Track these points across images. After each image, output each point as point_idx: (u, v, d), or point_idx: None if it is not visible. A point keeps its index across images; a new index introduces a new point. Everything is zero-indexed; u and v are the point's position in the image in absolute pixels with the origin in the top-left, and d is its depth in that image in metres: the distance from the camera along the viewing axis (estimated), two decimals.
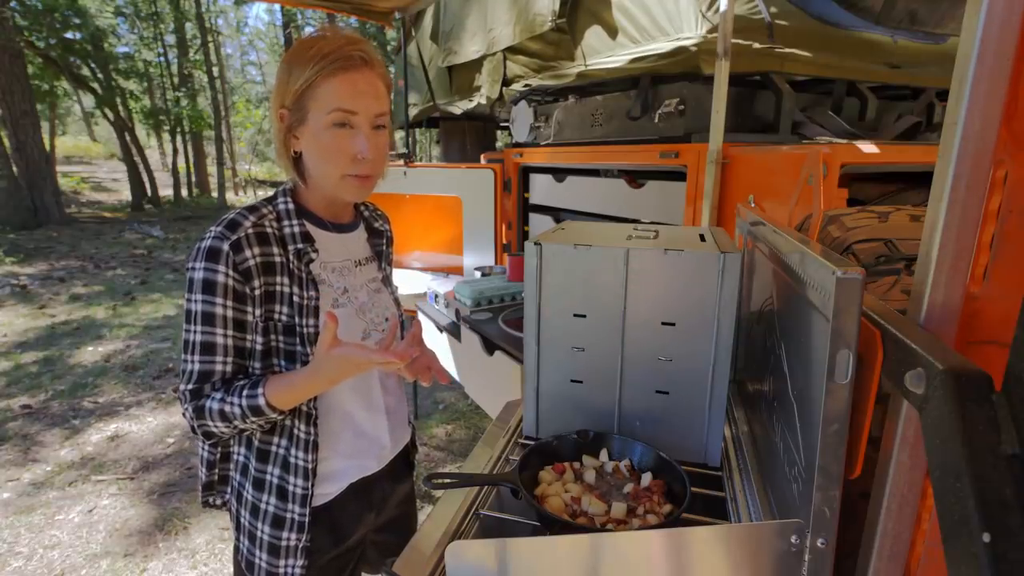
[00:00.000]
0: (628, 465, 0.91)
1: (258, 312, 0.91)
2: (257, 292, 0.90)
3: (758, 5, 1.88)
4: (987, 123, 0.47)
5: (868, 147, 1.53)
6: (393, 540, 1.20)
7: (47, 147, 11.06)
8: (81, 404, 3.64)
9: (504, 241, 3.17)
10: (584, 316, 0.97)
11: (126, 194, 14.38)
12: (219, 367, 0.90)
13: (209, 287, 0.87)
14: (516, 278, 2.69)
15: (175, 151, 15.47)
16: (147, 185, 13.87)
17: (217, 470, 1.05)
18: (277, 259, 0.93)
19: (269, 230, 0.93)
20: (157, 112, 15.46)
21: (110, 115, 12.95)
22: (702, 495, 0.86)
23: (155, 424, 3.40)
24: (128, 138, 13.10)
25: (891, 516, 0.55)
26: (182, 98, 15.09)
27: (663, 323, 0.93)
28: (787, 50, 1.97)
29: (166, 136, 17.18)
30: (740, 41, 1.84)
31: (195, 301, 0.88)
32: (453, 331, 2.60)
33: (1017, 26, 0.45)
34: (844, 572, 0.62)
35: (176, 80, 15.68)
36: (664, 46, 1.93)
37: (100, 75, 13.05)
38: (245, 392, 0.88)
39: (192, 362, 0.89)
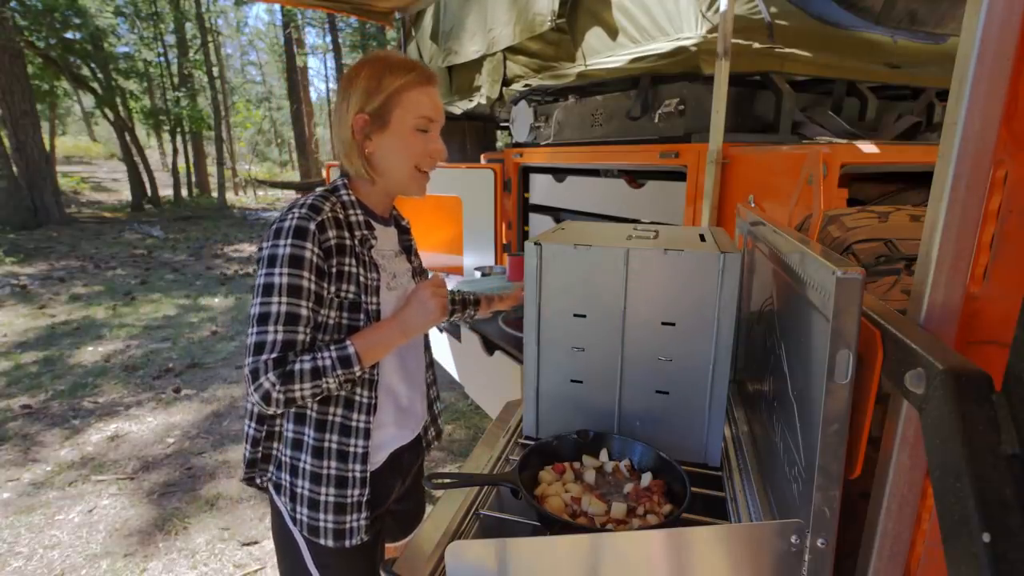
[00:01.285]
0: (628, 465, 0.91)
1: (332, 288, 1.00)
2: (333, 270, 1.00)
3: (758, 5, 1.88)
4: (987, 123, 0.47)
5: (868, 147, 1.53)
6: (407, 509, 1.31)
7: (47, 147, 11.05)
8: (81, 404, 3.64)
9: (504, 241, 3.17)
10: (584, 316, 0.97)
11: (126, 194, 14.38)
12: (301, 336, 0.96)
13: (297, 262, 0.94)
14: (516, 278, 2.69)
15: (175, 151, 15.45)
16: (147, 185, 13.86)
17: (261, 448, 1.10)
18: (347, 242, 1.02)
19: (340, 215, 1.03)
20: (157, 112, 15.44)
21: (110, 115, 12.93)
22: (702, 495, 0.86)
23: (155, 424, 3.40)
24: (128, 138, 13.09)
25: (891, 516, 0.55)
26: (182, 98, 15.07)
27: (663, 323, 0.93)
28: (787, 50, 1.96)
29: (166, 136, 17.16)
30: (740, 41, 1.84)
31: (281, 274, 0.94)
32: (453, 331, 2.60)
33: (1017, 26, 0.45)
34: (844, 572, 0.62)
35: (176, 80, 15.66)
36: (664, 46, 1.93)
37: (100, 75, 13.04)
38: (334, 346, 0.97)
39: (276, 332, 0.94)
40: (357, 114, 1.04)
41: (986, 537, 0.36)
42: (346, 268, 1.02)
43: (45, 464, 2.96)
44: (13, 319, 5.32)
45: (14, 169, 9.82)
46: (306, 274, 0.95)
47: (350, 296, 1.02)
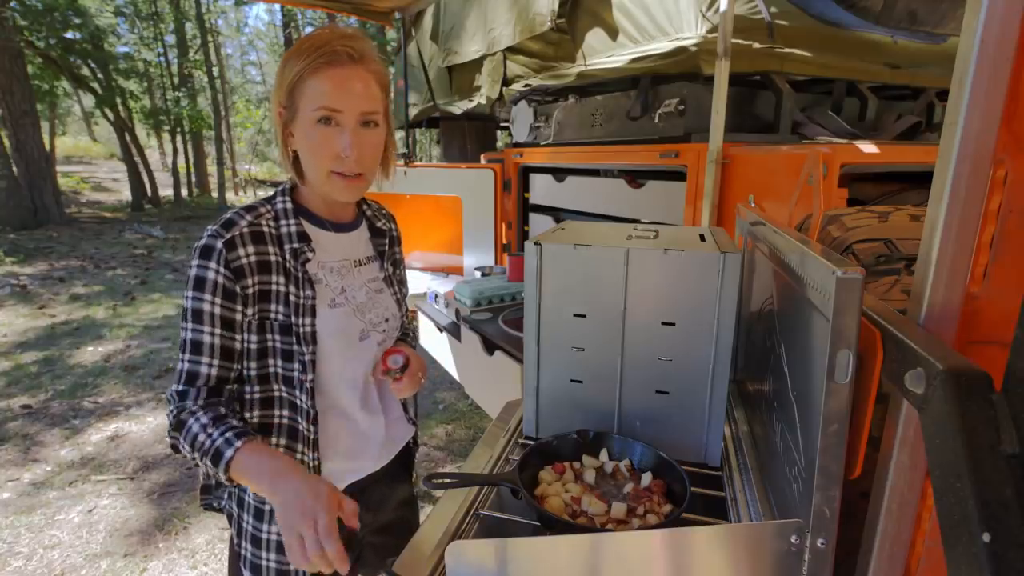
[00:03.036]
0: (628, 465, 0.91)
1: (251, 311, 0.92)
2: (250, 291, 0.91)
3: (758, 5, 1.88)
4: (987, 123, 0.47)
5: (868, 147, 1.53)
6: (394, 542, 1.18)
7: (47, 147, 11.06)
8: (81, 404, 3.64)
9: (504, 241, 3.17)
10: (584, 316, 0.97)
11: (126, 194, 14.38)
12: (204, 369, 0.90)
13: (200, 284, 0.88)
14: (516, 278, 2.69)
15: (175, 151, 15.45)
16: (147, 185, 13.86)
17: None
18: (272, 258, 0.93)
19: (266, 229, 0.94)
20: (157, 112, 15.45)
21: (110, 115, 12.94)
22: (702, 495, 0.86)
23: (155, 424, 3.40)
24: (128, 138, 13.09)
25: (891, 516, 0.55)
26: (182, 98, 15.07)
27: (663, 323, 0.93)
28: (787, 50, 1.96)
29: (166, 136, 17.17)
30: (740, 41, 1.84)
31: (188, 298, 0.89)
32: (453, 331, 2.60)
33: (1017, 26, 0.45)
34: (844, 572, 0.62)
35: (176, 80, 15.66)
36: (664, 46, 1.93)
37: (100, 75, 13.04)
38: (226, 434, 0.84)
39: (183, 361, 0.90)
40: (278, 107, 0.94)
41: (986, 537, 0.36)
42: (272, 287, 0.92)
43: (45, 464, 2.96)
44: (13, 319, 5.32)
45: (14, 169, 9.82)
46: (208, 296, 0.88)
47: (279, 318, 0.93)
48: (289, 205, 0.98)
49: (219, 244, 0.88)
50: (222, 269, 0.88)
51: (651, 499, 0.82)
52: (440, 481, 0.82)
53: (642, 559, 0.58)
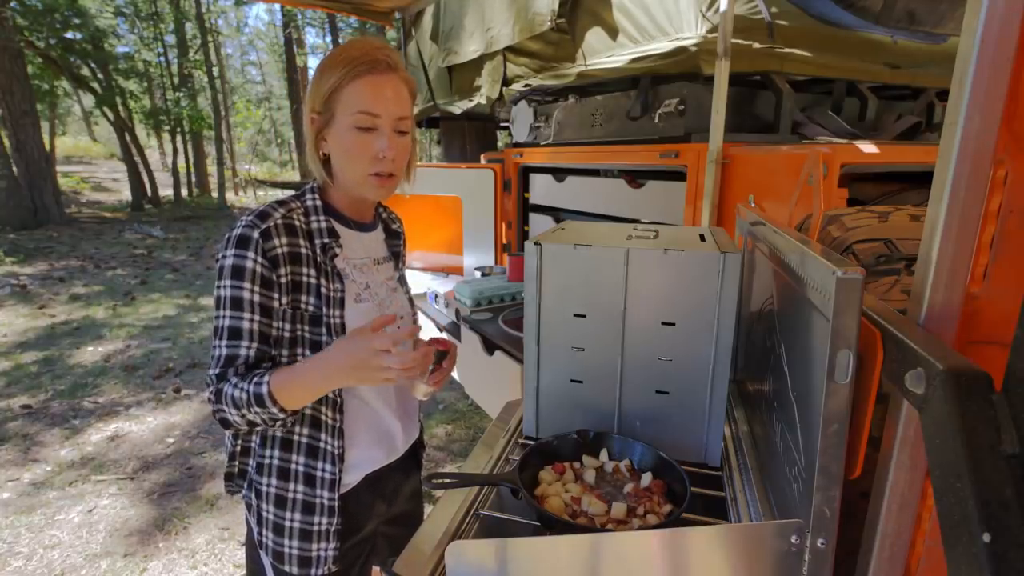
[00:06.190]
0: (628, 465, 0.91)
1: (285, 300, 0.95)
2: (283, 280, 0.94)
3: (758, 5, 1.88)
4: (987, 123, 0.47)
5: (868, 147, 1.53)
6: (403, 533, 1.21)
7: (47, 147, 11.05)
8: (81, 404, 3.64)
9: (504, 241, 3.17)
10: (584, 316, 0.97)
11: (126, 194, 14.38)
12: (243, 351, 0.92)
13: (238, 272, 0.90)
14: (516, 278, 2.69)
15: (175, 151, 15.45)
16: (147, 185, 13.86)
17: (237, 463, 1.06)
18: (303, 251, 0.97)
19: (297, 223, 0.98)
20: (157, 112, 15.44)
21: (110, 115, 12.93)
22: (702, 495, 0.86)
23: (155, 424, 3.40)
24: (128, 138, 13.08)
25: (891, 516, 0.55)
26: (182, 98, 15.07)
27: (663, 323, 0.93)
28: (787, 50, 1.96)
29: (166, 136, 17.16)
30: (740, 41, 1.84)
31: (225, 287, 0.91)
32: (453, 331, 2.60)
33: (1017, 26, 0.45)
34: (844, 572, 0.62)
35: (176, 80, 15.66)
36: (664, 46, 1.93)
37: (100, 75, 13.04)
38: (255, 379, 0.89)
39: (220, 347, 0.92)
40: (310, 114, 0.98)
41: (986, 537, 0.36)
42: (303, 279, 0.96)
43: (45, 464, 2.96)
44: (13, 319, 5.32)
45: (14, 169, 9.81)
46: (247, 285, 0.90)
47: (310, 309, 0.96)
48: (319, 203, 1.02)
49: (255, 234, 0.91)
50: (260, 258, 0.91)
51: (651, 499, 0.82)
52: (440, 481, 0.82)
53: (642, 559, 0.58)
